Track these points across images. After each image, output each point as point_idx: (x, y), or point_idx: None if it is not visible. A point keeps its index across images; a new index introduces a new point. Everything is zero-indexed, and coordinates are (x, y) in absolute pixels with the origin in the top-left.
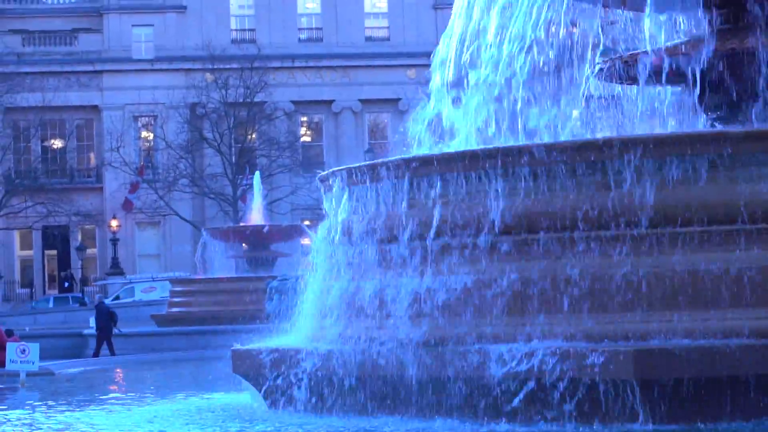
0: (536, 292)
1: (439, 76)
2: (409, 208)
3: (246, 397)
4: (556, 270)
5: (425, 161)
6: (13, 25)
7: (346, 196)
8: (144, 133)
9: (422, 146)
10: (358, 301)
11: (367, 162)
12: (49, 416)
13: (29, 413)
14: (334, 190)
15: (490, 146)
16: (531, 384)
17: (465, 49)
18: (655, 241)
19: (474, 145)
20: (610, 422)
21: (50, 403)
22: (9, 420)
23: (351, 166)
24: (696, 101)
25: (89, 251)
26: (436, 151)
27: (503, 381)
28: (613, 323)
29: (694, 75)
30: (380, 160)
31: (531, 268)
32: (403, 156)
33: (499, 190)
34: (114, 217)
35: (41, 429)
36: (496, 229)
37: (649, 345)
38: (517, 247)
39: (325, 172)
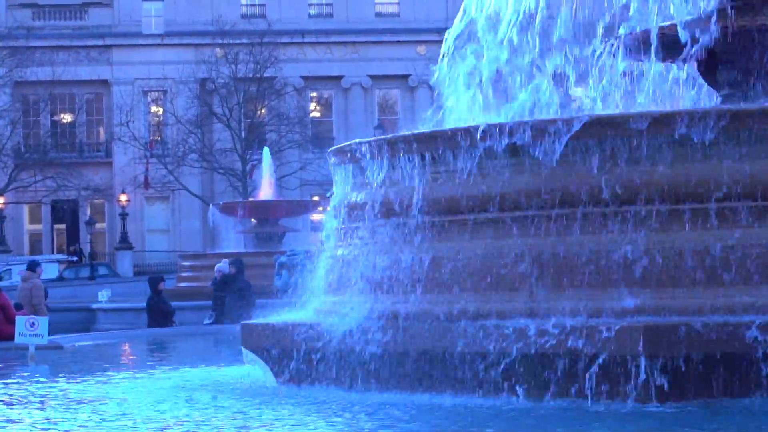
0: None
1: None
2: None
3: (255, 371)
4: None
5: None
6: None
7: None
8: (153, 108)
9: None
10: None
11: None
12: (64, 388)
13: (43, 385)
14: None
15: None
16: None
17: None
18: None
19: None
20: None
21: (62, 376)
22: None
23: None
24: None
25: (98, 226)
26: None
27: None
28: None
29: (704, 51)
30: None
31: None
32: None
33: None
34: (123, 192)
35: (58, 401)
36: None
37: None
38: None
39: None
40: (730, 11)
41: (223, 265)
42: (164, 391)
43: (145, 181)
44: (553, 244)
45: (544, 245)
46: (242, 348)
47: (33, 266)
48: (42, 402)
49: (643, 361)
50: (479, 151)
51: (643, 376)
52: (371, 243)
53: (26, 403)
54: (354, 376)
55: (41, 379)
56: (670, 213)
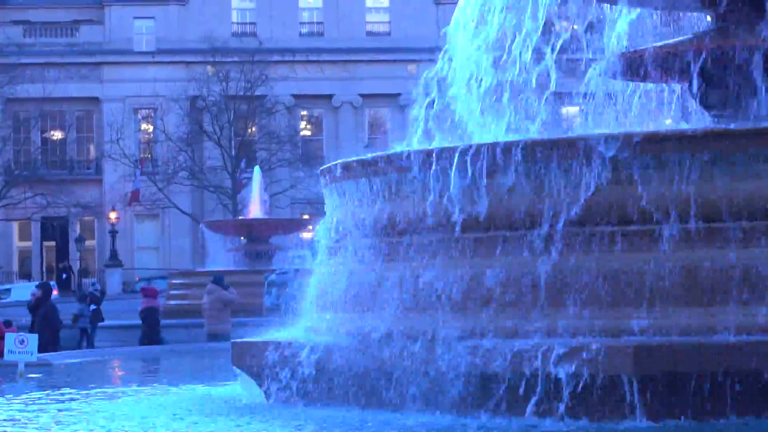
0: None
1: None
2: None
3: (245, 389)
4: None
5: None
6: (15, 15)
7: None
8: (144, 126)
9: None
10: None
11: None
12: (53, 406)
13: (31, 404)
14: None
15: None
16: None
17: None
18: None
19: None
20: None
21: (51, 393)
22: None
23: None
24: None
25: (88, 243)
26: None
27: None
28: None
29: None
30: None
31: None
32: None
33: None
34: (113, 209)
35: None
36: None
37: None
38: None
39: None
40: (717, 32)
41: (36, 290)
42: (154, 408)
43: (131, 196)
44: None
45: None
46: (233, 366)
47: (218, 280)
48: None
49: None
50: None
51: None
52: (355, 261)
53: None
54: (340, 393)
55: (22, 396)
56: None
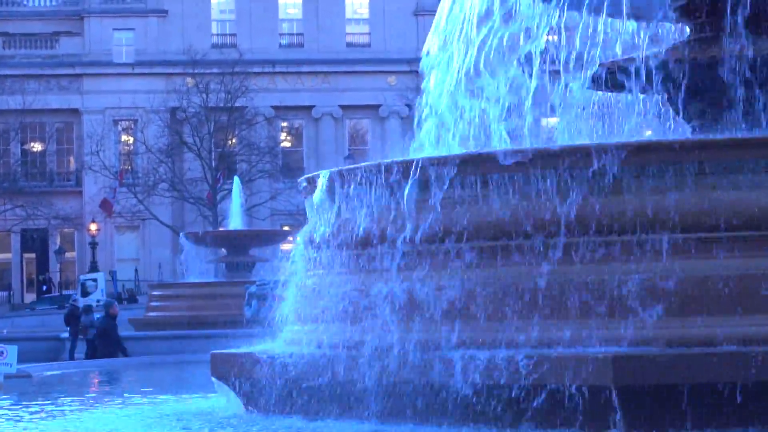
0: None
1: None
2: None
3: (224, 400)
4: None
5: None
6: None
7: None
8: (124, 137)
9: None
10: None
11: None
12: (30, 419)
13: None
14: None
15: None
16: None
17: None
18: None
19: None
20: None
21: (29, 404)
22: None
23: None
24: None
25: (68, 255)
26: None
27: None
28: None
29: (675, 83)
30: None
31: None
32: None
33: None
34: (93, 221)
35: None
36: None
37: None
38: None
39: None
40: (696, 43)
41: None
42: (131, 419)
43: (105, 205)
44: None
45: None
46: (212, 377)
47: None
48: None
49: None
50: None
51: None
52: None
53: None
54: (315, 405)
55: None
56: None
